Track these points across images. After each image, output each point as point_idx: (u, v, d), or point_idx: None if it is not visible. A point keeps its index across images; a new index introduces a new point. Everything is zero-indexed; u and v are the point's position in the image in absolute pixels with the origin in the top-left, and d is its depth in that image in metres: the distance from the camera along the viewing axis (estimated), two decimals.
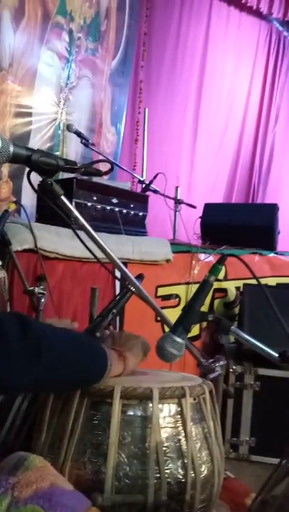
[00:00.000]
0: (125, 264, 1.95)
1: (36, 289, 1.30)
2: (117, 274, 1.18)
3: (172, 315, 1.03)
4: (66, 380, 0.68)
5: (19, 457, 0.61)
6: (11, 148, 0.75)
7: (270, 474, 0.58)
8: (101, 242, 0.92)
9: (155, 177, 2.62)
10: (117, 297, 1.07)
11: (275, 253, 2.79)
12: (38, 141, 2.91)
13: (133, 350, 0.80)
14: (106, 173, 1.03)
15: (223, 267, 2.39)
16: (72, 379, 0.68)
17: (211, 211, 3.01)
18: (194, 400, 0.74)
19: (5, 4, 2.63)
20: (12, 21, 2.70)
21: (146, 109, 3.26)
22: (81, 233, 0.92)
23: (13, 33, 2.72)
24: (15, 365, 0.60)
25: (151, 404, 0.68)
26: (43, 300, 1.32)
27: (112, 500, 0.61)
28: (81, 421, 0.68)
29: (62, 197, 0.87)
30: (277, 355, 0.75)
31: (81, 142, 2.36)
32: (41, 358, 0.62)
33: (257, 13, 4.57)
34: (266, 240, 2.77)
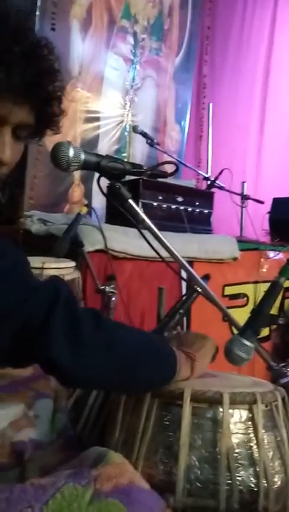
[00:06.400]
0: (191, 263, 1.94)
1: (107, 288, 1.35)
2: (184, 273, 1.18)
3: (240, 315, 1.00)
4: (133, 379, 0.68)
5: (98, 452, 0.63)
6: (82, 156, 0.79)
7: None
8: (166, 242, 0.93)
9: (220, 173, 2.57)
10: (184, 297, 1.07)
11: None
12: (105, 145, 3.01)
13: (201, 352, 0.79)
14: (171, 174, 1.03)
15: None
16: (139, 379, 0.68)
17: (280, 206, 2.87)
18: (266, 406, 0.71)
19: (74, 16, 2.76)
20: (80, 31, 2.82)
21: (211, 104, 3.20)
22: (147, 233, 0.93)
23: (81, 42, 2.84)
24: (85, 357, 0.60)
25: (221, 409, 0.68)
26: (113, 299, 1.36)
27: (184, 503, 0.62)
28: (152, 421, 0.69)
29: (130, 200, 0.89)
30: None
31: (146, 142, 2.39)
32: (112, 352, 0.63)
33: None
34: None
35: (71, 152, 0.77)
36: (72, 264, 1.61)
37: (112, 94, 3.08)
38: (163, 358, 0.71)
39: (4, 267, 0.57)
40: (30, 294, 0.57)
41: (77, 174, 2.79)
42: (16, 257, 0.60)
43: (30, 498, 0.54)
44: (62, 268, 1.56)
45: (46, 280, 0.64)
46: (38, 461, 0.74)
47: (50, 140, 0.78)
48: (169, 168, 1.06)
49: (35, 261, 1.56)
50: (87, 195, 2.83)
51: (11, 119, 0.60)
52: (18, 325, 0.56)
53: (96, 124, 2.97)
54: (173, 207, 2.18)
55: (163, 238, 0.92)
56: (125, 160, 1.05)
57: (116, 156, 1.09)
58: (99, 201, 2.61)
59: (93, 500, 0.54)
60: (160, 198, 2.13)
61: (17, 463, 0.74)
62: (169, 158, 2.66)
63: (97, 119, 2.98)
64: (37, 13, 2.38)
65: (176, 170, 1.06)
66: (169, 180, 2.42)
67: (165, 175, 1.00)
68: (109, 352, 0.63)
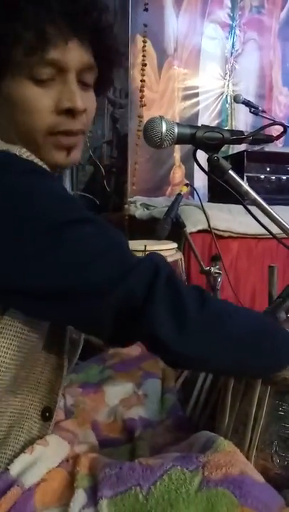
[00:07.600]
0: None
1: (212, 269, 1.29)
2: None
3: None
4: (243, 364, 0.61)
5: (207, 438, 0.60)
6: (176, 129, 0.74)
7: None
8: (277, 216, 0.83)
9: None
10: None
11: None
12: (206, 120, 2.90)
13: None
14: (278, 137, 0.91)
15: None
16: (250, 365, 0.62)
17: None
18: None
19: None
20: (174, 6, 2.73)
21: None
22: (254, 208, 0.86)
23: (175, 18, 2.75)
24: (191, 334, 0.56)
25: None
26: (219, 280, 1.31)
27: None
28: (265, 409, 0.63)
29: (230, 171, 0.82)
30: None
31: (250, 111, 2.21)
32: (220, 332, 0.57)
33: None
34: None
35: (164, 127, 0.74)
36: (174, 245, 1.59)
37: (210, 66, 2.94)
38: (277, 344, 0.62)
39: (105, 244, 0.55)
40: (130, 270, 0.54)
41: (177, 155, 2.75)
42: (116, 234, 0.58)
43: (138, 476, 0.54)
44: (163, 250, 1.55)
45: (145, 256, 0.60)
46: (148, 439, 0.74)
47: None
48: (276, 134, 0.95)
49: (137, 244, 1.58)
50: (189, 175, 2.78)
51: (70, 63, 0.57)
52: (120, 302, 0.54)
53: (195, 100, 2.87)
54: (283, 178, 2.01)
55: (273, 212, 0.84)
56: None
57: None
58: (201, 181, 2.54)
59: (202, 487, 0.52)
60: (268, 169, 1.97)
61: (128, 439, 0.76)
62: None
63: (196, 94, 2.87)
64: None
65: (285, 131, 0.94)
66: (278, 148, 2.22)
67: (271, 138, 0.89)
68: (216, 331, 0.57)
